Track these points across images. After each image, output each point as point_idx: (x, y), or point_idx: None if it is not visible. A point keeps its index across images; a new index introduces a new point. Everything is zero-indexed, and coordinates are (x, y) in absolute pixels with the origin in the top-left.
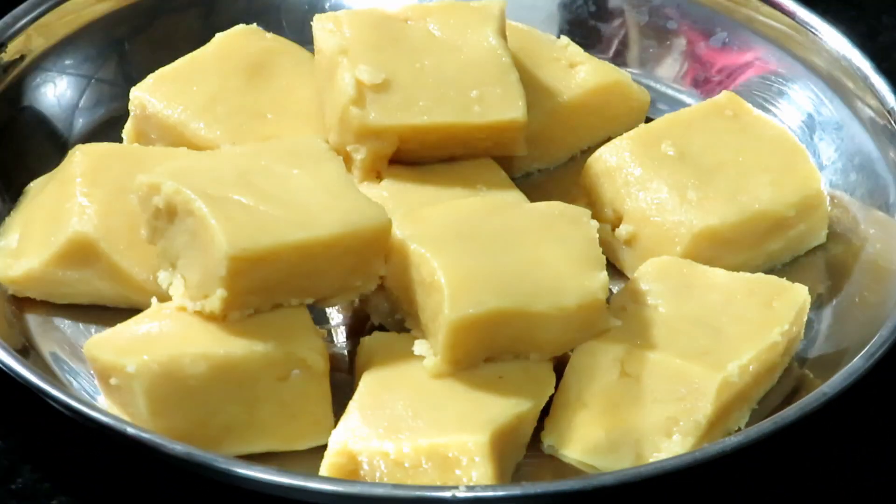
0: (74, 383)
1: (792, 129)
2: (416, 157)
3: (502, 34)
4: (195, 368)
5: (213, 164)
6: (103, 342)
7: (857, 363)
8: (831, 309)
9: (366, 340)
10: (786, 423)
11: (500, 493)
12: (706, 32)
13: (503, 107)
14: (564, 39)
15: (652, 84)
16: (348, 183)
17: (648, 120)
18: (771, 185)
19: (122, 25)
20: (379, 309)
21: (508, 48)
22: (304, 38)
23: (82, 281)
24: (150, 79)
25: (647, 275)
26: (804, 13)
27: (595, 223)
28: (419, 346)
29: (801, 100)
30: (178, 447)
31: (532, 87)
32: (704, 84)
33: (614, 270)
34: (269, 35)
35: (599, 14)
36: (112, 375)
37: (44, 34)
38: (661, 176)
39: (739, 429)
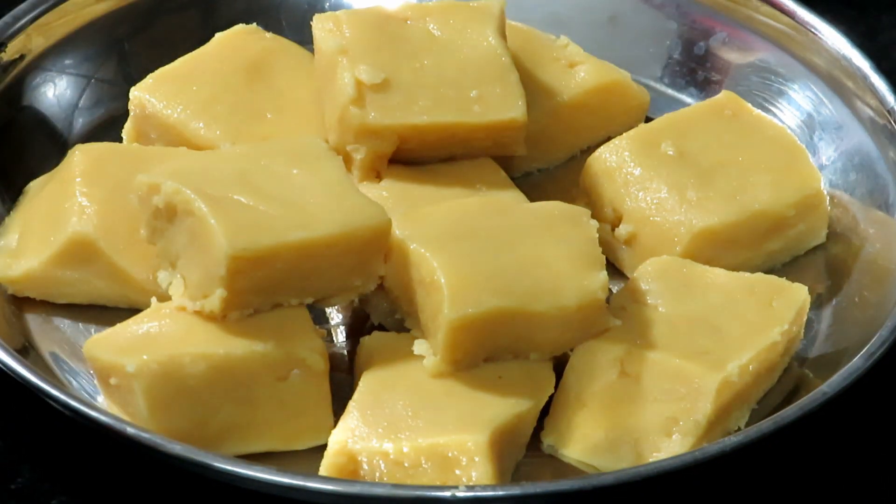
0: (74, 383)
1: (792, 128)
2: (416, 156)
3: (502, 34)
4: (195, 368)
5: (212, 164)
6: (103, 342)
7: (856, 363)
8: (831, 309)
9: (365, 340)
10: (785, 422)
11: (499, 492)
12: (706, 32)
13: (503, 106)
14: (564, 39)
15: (652, 84)
16: (348, 183)
17: (648, 120)
18: (771, 185)
19: (122, 25)
20: (379, 309)
21: (508, 48)
22: (303, 38)
23: (82, 281)
24: (150, 78)
25: (647, 274)
26: (804, 13)
27: (594, 223)
28: (419, 346)
29: (800, 99)
30: (177, 447)
31: (532, 87)
32: (704, 84)
33: (614, 270)
34: (269, 35)
35: (601, 14)
36: (111, 375)
37: (44, 34)
38: (660, 176)
39: (739, 429)
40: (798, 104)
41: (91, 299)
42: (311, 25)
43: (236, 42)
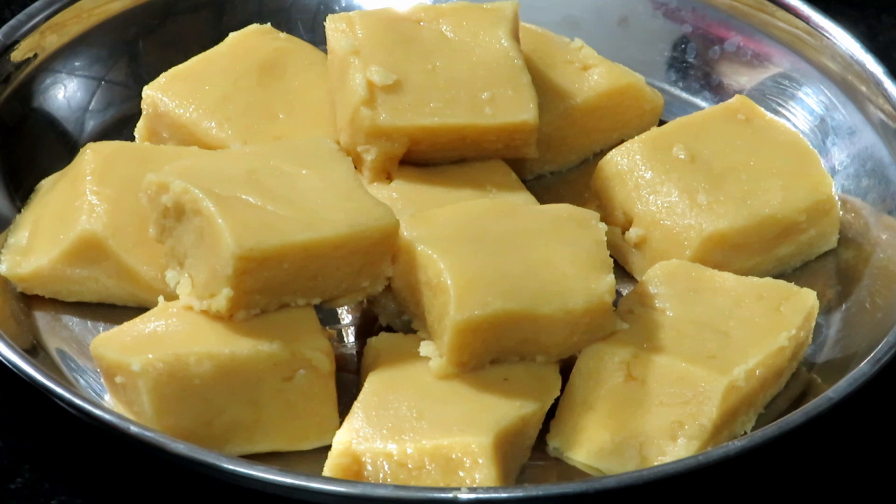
0: (81, 381)
1: (804, 133)
2: (427, 158)
3: (515, 36)
4: (200, 368)
5: (221, 164)
6: (109, 340)
7: (863, 368)
8: (841, 314)
9: (372, 341)
10: (790, 427)
11: (501, 494)
12: (720, 36)
13: (514, 109)
14: (578, 42)
15: (666, 87)
16: (356, 183)
17: (662, 123)
18: (782, 190)
19: (133, 26)
20: (387, 310)
21: (521, 50)
22: (317, 38)
23: (90, 279)
24: (163, 77)
25: (656, 278)
26: (819, 18)
27: (603, 226)
28: (425, 348)
29: (813, 104)
30: (181, 446)
31: (545, 89)
32: (718, 88)
33: (624, 273)
34: (283, 35)
35: (616, 17)
36: (117, 374)
37: (56, 33)
38: (671, 179)
39: (745, 433)
40: (811, 108)
41: (100, 298)
42: (324, 26)
43: (250, 42)
